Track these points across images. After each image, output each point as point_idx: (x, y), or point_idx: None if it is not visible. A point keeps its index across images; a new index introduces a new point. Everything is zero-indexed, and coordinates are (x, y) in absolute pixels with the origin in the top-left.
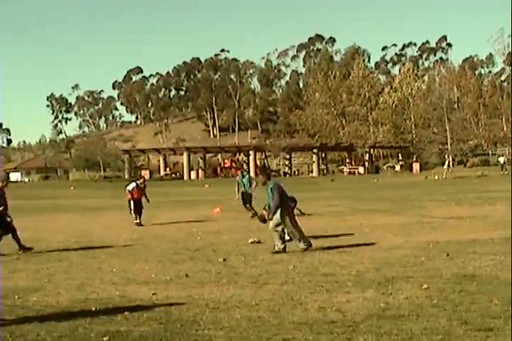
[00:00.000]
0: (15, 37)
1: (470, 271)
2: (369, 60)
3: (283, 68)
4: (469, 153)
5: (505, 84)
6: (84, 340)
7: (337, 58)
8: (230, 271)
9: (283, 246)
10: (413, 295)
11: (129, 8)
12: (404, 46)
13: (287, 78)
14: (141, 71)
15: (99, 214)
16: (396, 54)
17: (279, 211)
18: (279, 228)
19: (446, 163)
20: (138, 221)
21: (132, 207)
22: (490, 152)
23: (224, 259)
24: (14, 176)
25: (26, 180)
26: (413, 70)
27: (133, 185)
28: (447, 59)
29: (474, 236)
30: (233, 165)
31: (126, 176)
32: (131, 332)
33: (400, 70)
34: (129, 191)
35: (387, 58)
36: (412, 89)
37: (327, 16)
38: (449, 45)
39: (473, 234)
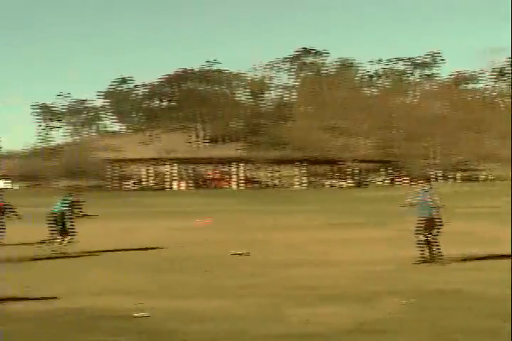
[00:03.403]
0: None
1: (452, 286)
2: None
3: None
4: None
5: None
6: None
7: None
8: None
9: None
10: (396, 310)
11: (118, 17)
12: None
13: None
14: (125, 81)
15: None
16: (384, 69)
17: None
18: None
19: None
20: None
21: None
22: None
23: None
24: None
25: (16, 187)
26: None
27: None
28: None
29: None
30: (221, 176)
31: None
32: None
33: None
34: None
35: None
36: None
37: (320, 29)
38: (443, 60)
39: None
